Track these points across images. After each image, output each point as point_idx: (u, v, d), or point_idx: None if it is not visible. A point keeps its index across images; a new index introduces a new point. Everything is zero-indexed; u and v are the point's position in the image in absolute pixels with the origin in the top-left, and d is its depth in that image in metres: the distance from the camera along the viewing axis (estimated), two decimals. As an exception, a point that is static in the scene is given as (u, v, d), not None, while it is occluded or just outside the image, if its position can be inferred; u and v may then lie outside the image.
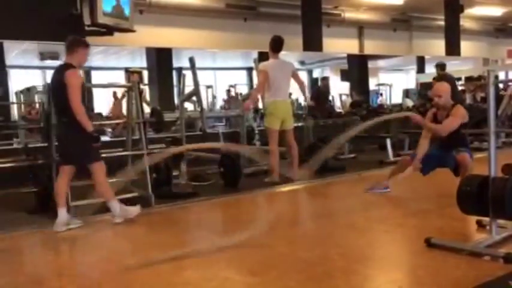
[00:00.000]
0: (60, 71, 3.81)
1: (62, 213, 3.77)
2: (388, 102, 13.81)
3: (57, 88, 3.80)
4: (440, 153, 4.21)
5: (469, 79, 11.41)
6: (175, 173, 5.58)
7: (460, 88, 11.26)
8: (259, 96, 6.06)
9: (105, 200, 3.91)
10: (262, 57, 6.73)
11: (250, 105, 6.01)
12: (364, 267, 2.74)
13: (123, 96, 7.70)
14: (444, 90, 4.11)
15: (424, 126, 4.24)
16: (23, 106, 8.79)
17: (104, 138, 8.68)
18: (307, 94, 6.97)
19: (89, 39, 8.51)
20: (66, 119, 3.78)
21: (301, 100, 13.34)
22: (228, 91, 12.53)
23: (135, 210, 3.98)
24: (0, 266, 3.12)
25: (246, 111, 6.44)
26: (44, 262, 3.29)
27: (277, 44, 5.67)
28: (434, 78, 8.14)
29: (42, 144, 5.23)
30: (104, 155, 4.10)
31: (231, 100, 12.12)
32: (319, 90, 10.36)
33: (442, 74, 8.13)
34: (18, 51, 9.68)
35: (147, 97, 9.72)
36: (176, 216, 4.34)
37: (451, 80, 7.94)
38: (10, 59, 9.43)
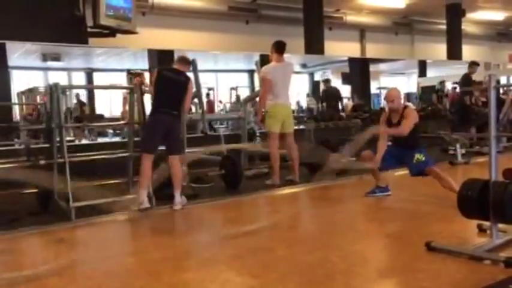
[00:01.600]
0: (181, 75, 4.61)
1: (143, 194, 4.30)
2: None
3: (179, 87, 4.53)
4: (399, 152, 4.43)
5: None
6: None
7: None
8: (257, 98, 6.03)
9: (177, 188, 4.45)
10: (264, 59, 6.74)
11: (260, 120, 5.93)
12: (365, 270, 2.74)
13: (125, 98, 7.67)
14: (395, 95, 4.50)
15: (386, 134, 4.52)
16: (24, 107, 8.81)
17: (104, 140, 8.73)
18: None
19: (91, 41, 8.63)
20: (177, 113, 4.50)
21: (303, 103, 13.38)
22: (208, 95, 12.30)
23: (185, 200, 4.54)
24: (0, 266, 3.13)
25: (260, 124, 6.31)
26: (44, 262, 3.29)
27: (280, 46, 5.68)
28: (467, 74, 8.34)
29: (43, 145, 5.24)
30: (105, 156, 4.13)
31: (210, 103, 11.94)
32: (326, 93, 10.37)
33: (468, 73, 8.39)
34: (20, 52, 9.71)
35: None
36: (177, 218, 4.34)
37: (469, 80, 8.20)
38: (13, 59, 9.45)
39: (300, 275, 2.67)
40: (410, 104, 9.34)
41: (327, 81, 10.89)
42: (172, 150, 4.55)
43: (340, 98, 10.79)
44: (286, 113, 5.72)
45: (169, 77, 4.54)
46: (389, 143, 4.63)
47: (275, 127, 5.57)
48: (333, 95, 10.21)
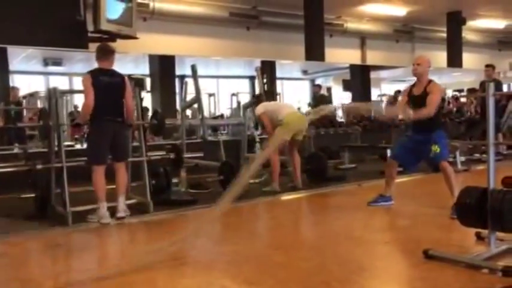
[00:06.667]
0: (115, 76, 4.24)
1: (104, 207, 4.08)
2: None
3: (116, 90, 4.19)
4: (416, 145, 4.22)
5: (471, 91, 11.46)
6: (174, 180, 5.57)
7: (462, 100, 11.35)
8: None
9: (121, 195, 4.22)
10: (265, 65, 6.72)
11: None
12: (362, 278, 2.72)
13: None
14: (423, 59, 4.32)
15: (415, 118, 4.13)
16: (25, 111, 8.81)
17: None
18: None
19: (92, 46, 8.64)
20: (121, 119, 4.21)
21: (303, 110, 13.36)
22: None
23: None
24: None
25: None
26: (40, 267, 3.27)
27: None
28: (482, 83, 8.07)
29: (41, 150, 5.23)
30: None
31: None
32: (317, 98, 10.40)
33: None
34: (22, 57, 9.72)
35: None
36: (174, 224, 4.33)
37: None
38: (14, 64, 9.46)
39: (297, 282, 2.65)
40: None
41: (318, 86, 10.90)
42: (119, 157, 4.32)
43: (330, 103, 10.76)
44: (301, 124, 5.52)
45: (105, 81, 4.14)
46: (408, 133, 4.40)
47: (287, 135, 5.33)
48: (323, 101, 10.23)
